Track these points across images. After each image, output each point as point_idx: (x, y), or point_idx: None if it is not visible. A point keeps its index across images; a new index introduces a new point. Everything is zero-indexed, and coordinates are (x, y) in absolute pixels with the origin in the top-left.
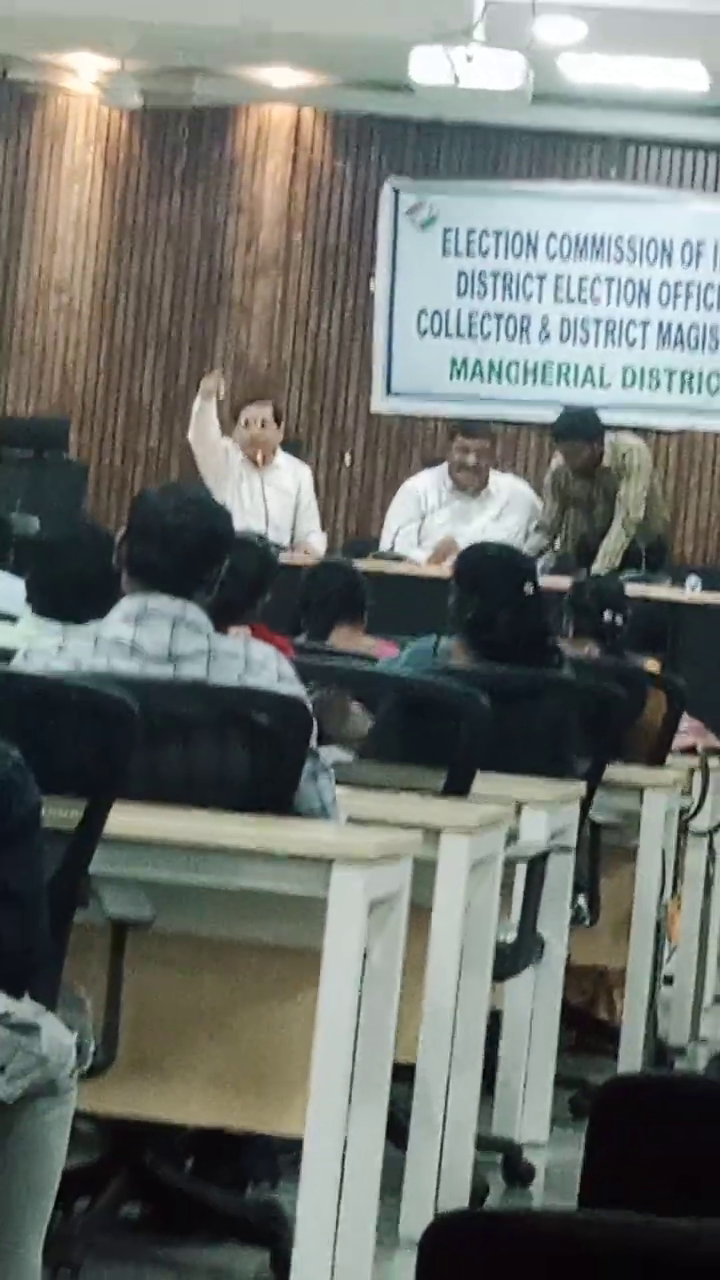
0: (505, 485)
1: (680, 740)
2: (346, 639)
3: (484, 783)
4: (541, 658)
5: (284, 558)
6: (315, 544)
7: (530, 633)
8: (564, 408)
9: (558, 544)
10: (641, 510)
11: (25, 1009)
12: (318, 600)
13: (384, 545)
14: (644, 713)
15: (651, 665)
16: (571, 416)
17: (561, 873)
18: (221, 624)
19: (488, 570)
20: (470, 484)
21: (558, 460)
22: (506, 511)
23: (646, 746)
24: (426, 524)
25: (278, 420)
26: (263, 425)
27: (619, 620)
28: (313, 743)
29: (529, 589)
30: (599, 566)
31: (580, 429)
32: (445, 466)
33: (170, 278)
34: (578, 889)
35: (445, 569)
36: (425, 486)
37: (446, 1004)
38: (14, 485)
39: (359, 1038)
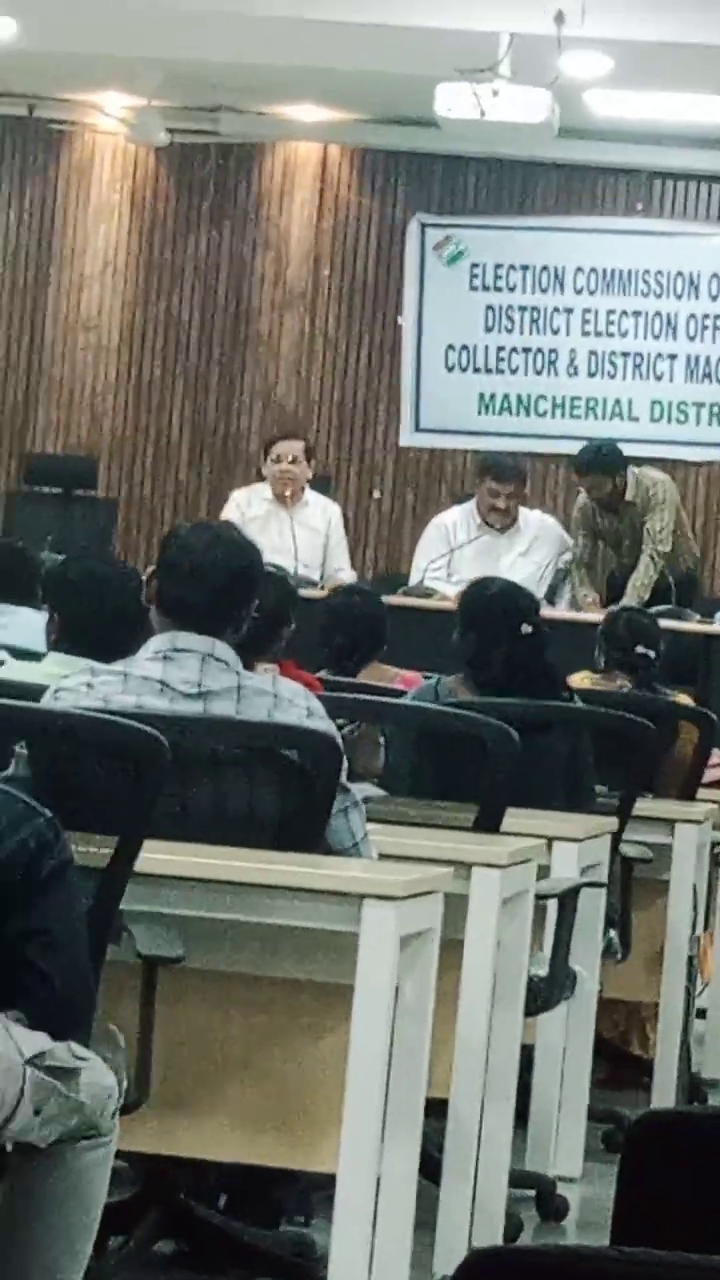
0: (534, 521)
1: (710, 774)
2: (375, 673)
3: (514, 818)
4: (542, 693)
5: (311, 593)
6: (345, 580)
7: (528, 670)
8: (587, 442)
9: (597, 583)
10: (669, 544)
11: (64, 1053)
12: (347, 638)
13: (413, 580)
14: (676, 746)
15: (684, 698)
16: (592, 450)
17: (593, 907)
18: (248, 659)
19: (485, 608)
20: (500, 523)
21: (584, 495)
22: (535, 546)
23: (679, 780)
24: (455, 559)
25: (309, 458)
26: (293, 461)
27: (651, 654)
28: (343, 778)
29: (526, 628)
30: (628, 600)
31: (601, 463)
32: (474, 503)
33: (198, 314)
34: (609, 923)
35: None
36: (454, 521)
37: (479, 1039)
38: (43, 522)
39: (391, 1073)
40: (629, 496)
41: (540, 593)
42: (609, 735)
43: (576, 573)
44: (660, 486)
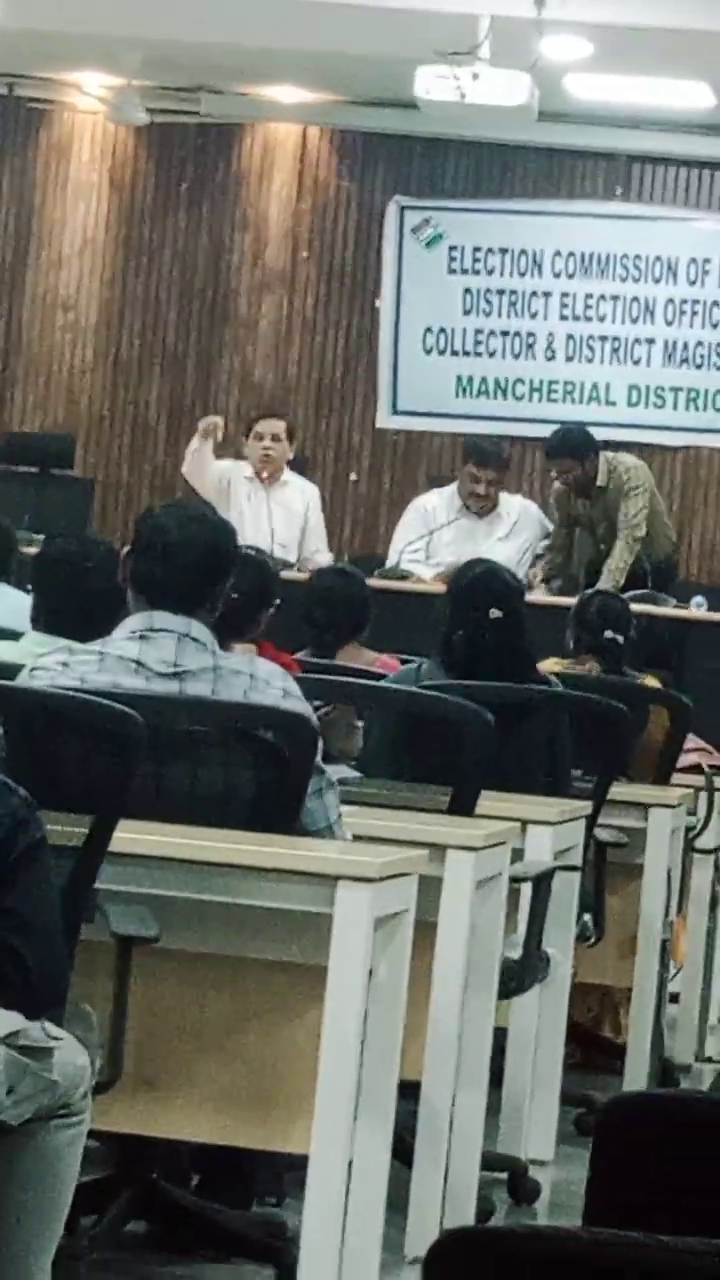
0: (515, 505)
1: (684, 759)
2: (352, 655)
3: (489, 800)
4: (507, 677)
5: (288, 574)
6: (322, 563)
7: (495, 653)
8: (558, 426)
9: (573, 565)
10: (643, 528)
11: (38, 1032)
12: (324, 617)
13: (390, 561)
14: (645, 729)
15: (652, 681)
16: (560, 435)
17: (567, 890)
18: (226, 640)
19: (459, 591)
20: (479, 508)
21: (557, 481)
22: (514, 531)
23: (648, 763)
24: (434, 541)
25: (290, 437)
26: (275, 439)
27: (620, 639)
28: (318, 759)
29: (495, 612)
30: (603, 584)
31: (569, 447)
32: (455, 486)
33: (176, 295)
34: (583, 907)
35: None
36: (434, 504)
37: (452, 1021)
38: (20, 502)
39: (364, 1055)
40: (601, 482)
41: (520, 575)
42: (582, 719)
43: (547, 554)
44: (634, 472)
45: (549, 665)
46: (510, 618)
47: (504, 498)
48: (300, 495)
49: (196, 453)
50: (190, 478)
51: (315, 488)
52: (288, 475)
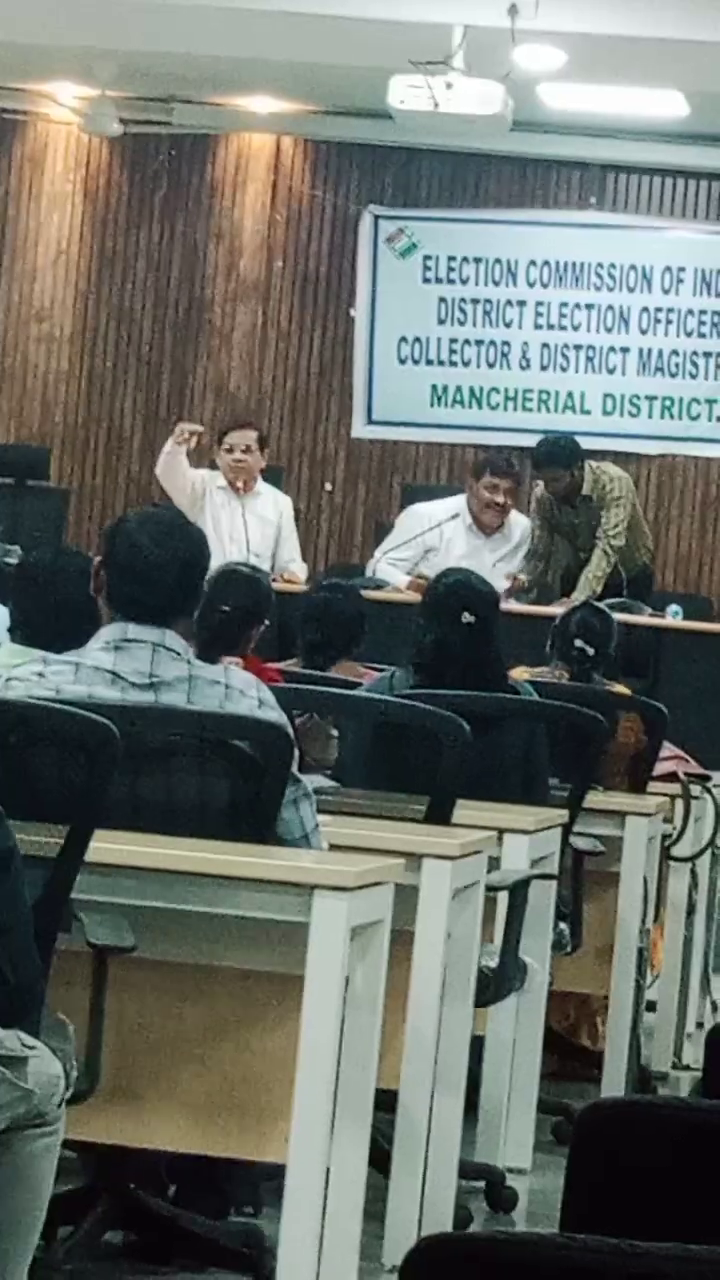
0: (520, 524)
1: (660, 767)
2: (347, 671)
3: (465, 809)
4: (475, 684)
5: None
6: (297, 571)
7: (465, 660)
8: (543, 435)
9: (549, 573)
10: (622, 539)
11: (13, 1041)
12: (319, 637)
13: (370, 566)
14: (615, 736)
15: (620, 689)
16: (549, 444)
17: (544, 899)
18: (216, 656)
19: (431, 598)
20: (495, 522)
21: (539, 488)
22: (516, 552)
23: (619, 770)
24: (441, 556)
25: (262, 447)
26: (246, 451)
27: (590, 650)
28: (294, 769)
29: (467, 617)
30: (579, 594)
31: (558, 456)
32: (458, 501)
33: (150, 305)
34: (560, 915)
35: None
36: (438, 516)
37: (429, 1030)
38: None
39: (341, 1064)
40: (585, 491)
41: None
42: (554, 728)
43: (527, 563)
44: (617, 483)
45: (518, 673)
46: (481, 624)
47: (513, 515)
48: (274, 505)
49: (169, 454)
50: (162, 478)
51: (288, 498)
52: (261, 486)
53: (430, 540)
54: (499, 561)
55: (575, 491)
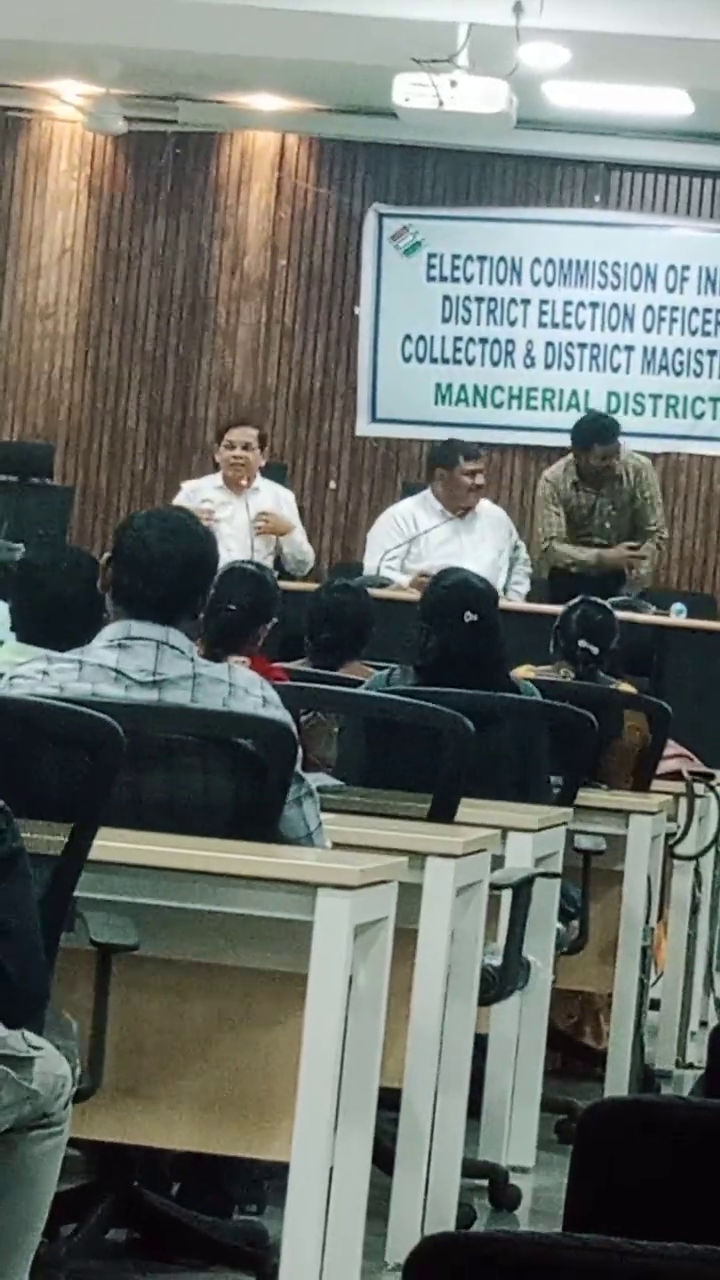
0: (486, 507)
1: (664, 765)
2: (356, 672)
3: (468, 808)
4: (476, 683)
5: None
6: (309, 552)
7: (466, 659)
8: (588, 412)
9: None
10: (666, 531)
11: (18, 1041)
12: (332, 635)
13: (368, 569)
14: (622, 734)
15: (626, 688)
16: (605, 420)
17: (547, 897)
18: (223, 654)
19: (433, 598)
20: (474, 502)
21: (554, 468)
22: (490, 533)
23: (625, 768)
24: (422, 548)
25: (262, 444)
26: (246, 448)
27: (594, 649)
28: (298, 767)
29: (470, 616)
30: (631, 588)
31: (614, 429)
32: (428, 494)
33: (155, 303)
34: (563, 914)
35: None
36: (410, 512)
37: (432, 1028)
38: None
39: (345, 1062)
40: (618, 472)
41: (501, 581)
42: (552, 726)
43: (559, 547)
44: (648, 470)
45: (522, 671)
46: (484, 622)
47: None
48: (274, 498)
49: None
50: None
51: (289, 491)
52: (260, 481)
53: (410, 530)
54: (479, 543)
55: (611, 472)
